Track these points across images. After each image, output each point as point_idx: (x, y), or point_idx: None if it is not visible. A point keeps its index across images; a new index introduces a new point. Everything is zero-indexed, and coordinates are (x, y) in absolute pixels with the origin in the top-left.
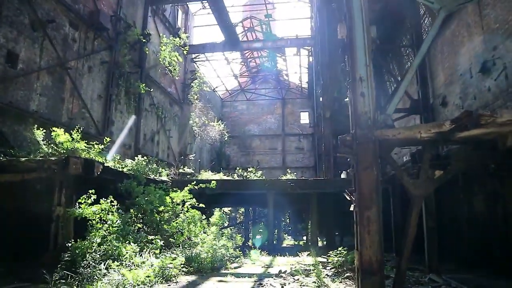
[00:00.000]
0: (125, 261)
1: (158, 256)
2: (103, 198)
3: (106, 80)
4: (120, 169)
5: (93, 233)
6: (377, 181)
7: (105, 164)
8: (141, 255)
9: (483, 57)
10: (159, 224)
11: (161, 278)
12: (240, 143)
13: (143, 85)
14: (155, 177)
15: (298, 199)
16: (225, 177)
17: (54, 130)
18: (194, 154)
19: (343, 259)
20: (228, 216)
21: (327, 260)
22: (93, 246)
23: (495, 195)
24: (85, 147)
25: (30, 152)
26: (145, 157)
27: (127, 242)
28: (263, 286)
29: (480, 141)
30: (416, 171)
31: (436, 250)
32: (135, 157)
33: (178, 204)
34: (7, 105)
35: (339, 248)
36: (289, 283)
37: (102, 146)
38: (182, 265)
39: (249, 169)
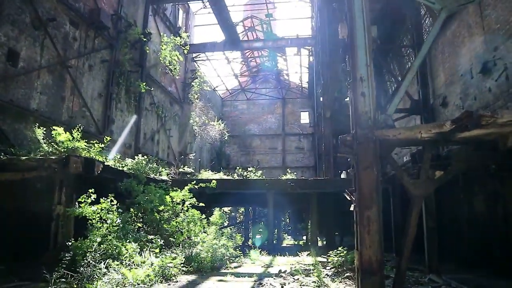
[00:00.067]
0: (125, 260)
1: (158, 255)
2: (103, 197)
3: (106, 78)
4: (120, 168)
5: (93, 232)
6: (377, 181)
7: (105, 163)
8: (141, 255)
9: (484, 57)
10: (159, 224)
11: (161, 277)
12: (240, 142)
13: (144, 84)
14: (155, 177)
15: (298, 199)
16: (225, 177)
17: (54, 129)
18: (194, 154)
19: (343, 259)
20: (228, 216)
21: (327, 260)
22: (93, 245)
23: (496, 196)
24: (86, 146)
25: (31, 151)
26: (145, 156)
27: (127, 241)
28: (263, 286)
29: (480, 141)
30: (416, 171)
31: (436, 250)
32: (135, 156)
33: (178, 204)
34: (8, 103)
35: (339, 248)
36: (289, 283)
37: (103, 145)
38: (182, 265)
39: (249, 169)
